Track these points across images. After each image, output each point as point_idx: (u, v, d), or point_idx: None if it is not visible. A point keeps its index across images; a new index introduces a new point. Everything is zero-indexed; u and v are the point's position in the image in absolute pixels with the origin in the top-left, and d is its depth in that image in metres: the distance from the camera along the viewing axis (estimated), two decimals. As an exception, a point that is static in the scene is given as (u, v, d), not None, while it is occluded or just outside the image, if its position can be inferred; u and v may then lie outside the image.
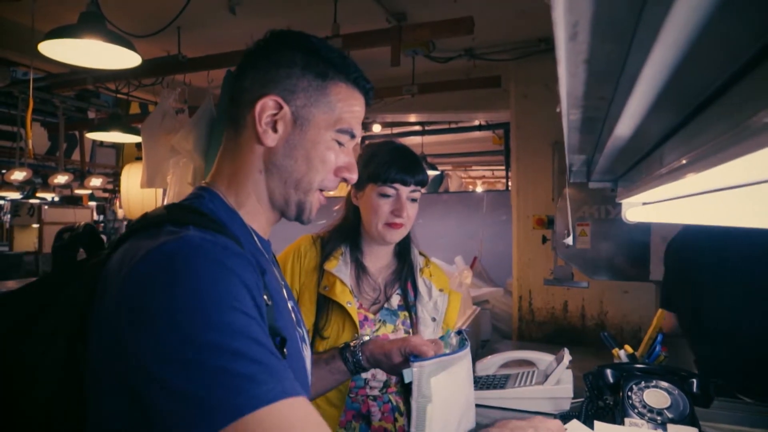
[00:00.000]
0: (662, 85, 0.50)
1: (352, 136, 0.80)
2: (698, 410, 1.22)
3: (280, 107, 0.74)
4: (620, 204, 2.12)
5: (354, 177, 0.82)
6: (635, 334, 2.96)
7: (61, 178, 5.08)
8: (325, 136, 0.77)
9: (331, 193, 0.88)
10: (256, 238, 0.78)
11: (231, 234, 0.68)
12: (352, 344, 1.12)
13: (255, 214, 0.78)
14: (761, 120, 0.34)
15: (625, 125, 0.66)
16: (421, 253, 1.42)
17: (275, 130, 0.75)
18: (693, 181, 0.61)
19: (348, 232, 1.35)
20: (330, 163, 0.78)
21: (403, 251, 1.40)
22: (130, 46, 2.03)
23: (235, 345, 0.54)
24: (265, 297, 0.66)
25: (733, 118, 0.43)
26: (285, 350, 0.69)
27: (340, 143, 0.79)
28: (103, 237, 0.80)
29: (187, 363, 0.52)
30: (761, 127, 0.35)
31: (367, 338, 1.17)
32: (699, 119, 0.55)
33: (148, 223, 0.67)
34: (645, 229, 2.10)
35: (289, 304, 0.83)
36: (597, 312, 3.08)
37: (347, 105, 0.78)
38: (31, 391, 0.63)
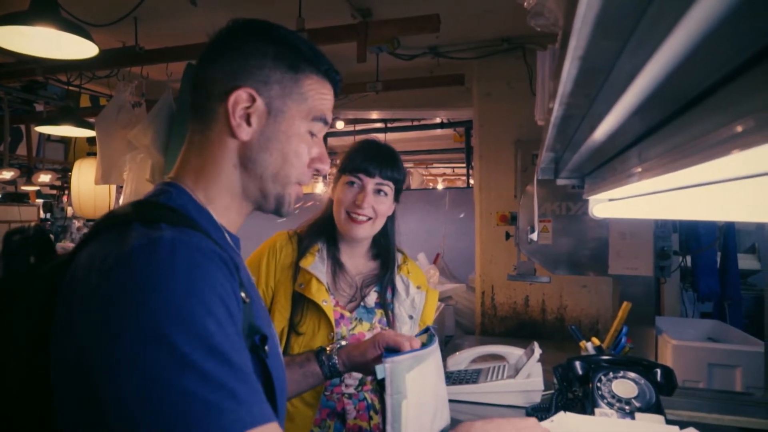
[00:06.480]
0: (648, 85, 0.51)
1: (325, 123, 0.80)
2: (662, 399, 1.26)
3: (254, 100, 0.72)
4: (581, 201, 2.17)
5: (326, 168, 0.81)
6: (593, 326, 3.05)
7: (6, 174, 4.83)
8: (300, 127, 0.76)
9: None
10: (226, 235, 0.75)
11: (203, 230, 0.66)
12: (328, 348, 1.10)
13: (226, 210, 0.76)
14: (730, 131, 0.37)
15: (608, 123, 0.68)
16: (398, 250, 1.40)
17: (249, 124, 0.73)
18: (669, 178, 0.63)
19: (323, 227, 1.33)
20: (303, 156, 0.77)
21: (383, 252, 1.36)
22: (86, 34, 1.93)
23: (207, 366, 0.52)
24: (243, 294, 0.64)
25: (711, 122, 0.45)
26: (266, 348, 0.67)
27: (312, 134, 0.78)
28: (50, 236, 0.75)
29: (154, 381, 0.50)
30: (731, 137, 0.37)
31: (344, 342, 1.15)
32: (678, 121, 0.57)
33: (115, 221, 0.63)
34: (604, 224, 2.16)
35: None
36: (557, 306, 3.15)
37: (319, 94, 0.78)
38: None
